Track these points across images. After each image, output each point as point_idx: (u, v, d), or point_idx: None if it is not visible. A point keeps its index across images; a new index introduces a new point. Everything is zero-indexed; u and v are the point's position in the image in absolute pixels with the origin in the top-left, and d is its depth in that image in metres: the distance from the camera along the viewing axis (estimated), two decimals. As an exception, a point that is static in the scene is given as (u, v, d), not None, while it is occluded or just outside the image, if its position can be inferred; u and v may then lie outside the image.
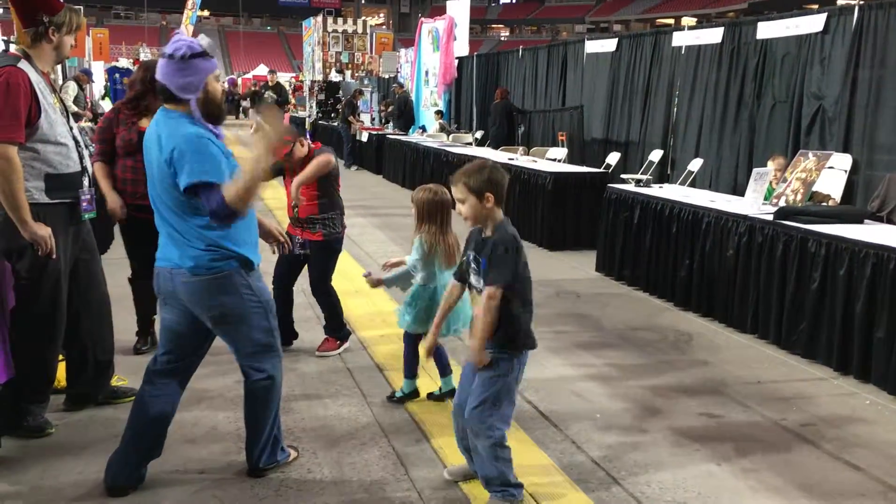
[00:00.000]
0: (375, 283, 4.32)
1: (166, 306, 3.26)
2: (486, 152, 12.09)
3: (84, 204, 3.79)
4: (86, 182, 3.81)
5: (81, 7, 3.74)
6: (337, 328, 5.11)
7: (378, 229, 9.81)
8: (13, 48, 3.76)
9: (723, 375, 4.92)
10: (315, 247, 4.93)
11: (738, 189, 8.20)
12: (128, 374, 4.31)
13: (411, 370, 4.33)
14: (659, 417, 4.23)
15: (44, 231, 3.57)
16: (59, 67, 16.42)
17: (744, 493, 3.44)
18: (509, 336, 3.13)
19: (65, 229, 3.73)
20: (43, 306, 3.70)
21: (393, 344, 5.27)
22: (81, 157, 3.78)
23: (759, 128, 8.68)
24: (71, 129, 3.77)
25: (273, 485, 3.35)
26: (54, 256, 3.64)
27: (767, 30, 8.59)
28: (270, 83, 18.54)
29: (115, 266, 4.37)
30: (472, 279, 3.23)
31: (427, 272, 4.15)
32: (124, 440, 3.27)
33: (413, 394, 4.34)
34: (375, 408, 4.22)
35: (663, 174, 10.26)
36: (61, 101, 3.81)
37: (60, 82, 15.45)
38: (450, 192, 3.44)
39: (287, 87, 21.79)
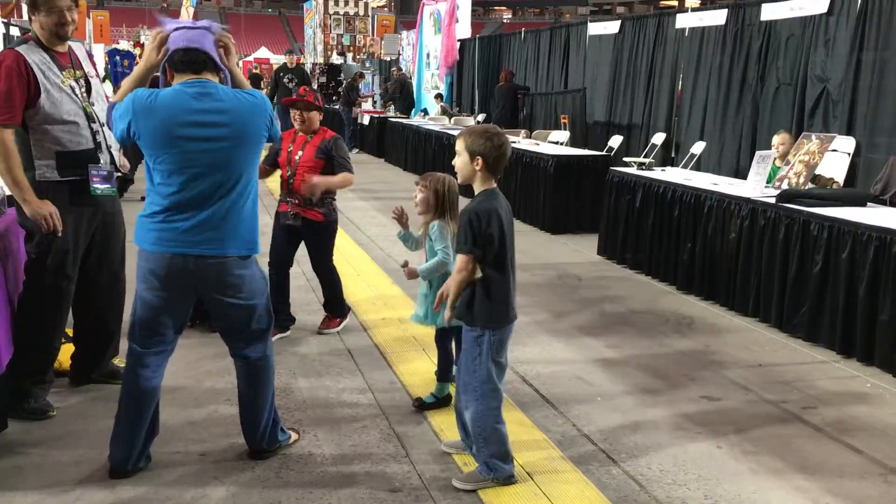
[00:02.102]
0: (411, 275, 3.93)
1: (170, 288, 3.12)
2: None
3: (95, 180, 3.74)
4: (102, 159, 3.78)
5: None
6: (337, 306, 5.14)
7: (380, 212, 9.80)
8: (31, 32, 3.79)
9: (724, 358, 4.92)
10: (314, 228, 4.90)
11: (742, 172, 8.17)
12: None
13: (444, 373, 4.03)
14: (660, 400, 4.23)
15: (46, 209, 3.56)
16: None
17: (744, 474, 3.44)
18: (480, 310, 3.17)
19: (76, 207, 3.72)
20: (46, 284, 3.70)
21: (393, 327, 5.28)
22: (95, 134, 3.75)
23: (763, 110, 8.64)
24: (90, 105, 3.74)
25: (274, 466, 3.36)
26: (59, 234, 3.62)
27: (772, 11, 8.53)
28: (290, 65, 15.83)
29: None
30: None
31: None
32: (126, 423, 3.23)
33: (445, 399, 3.99)
34: (376, 390, 4.23)
35: (667, 157, 10.22)
36: (84, 77, 3.78)
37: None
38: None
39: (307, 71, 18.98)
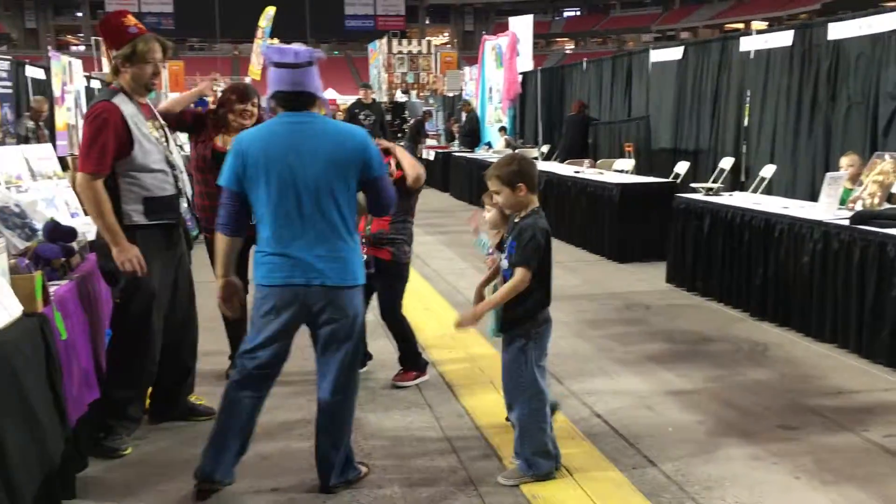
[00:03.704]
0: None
1: (283, 314, 3.24)
2: (552, 166, 12.05)
3: (189, 224, 4.00)
4: (183, 204, 3.95)
5: (153, 34, 3.84)
6: (412, 358, 4.91)
7: (445, 246, 9.87)
8: (115, 83, 3.87)
9: (801, 386, 4.77)
10: (382, 268, 4.70)
11: (817, 195, 7.95)
12: (207, 393, 4.43)
13: None
14: (734, 430, 4.13)
15: (132, 252, 3.67)
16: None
17: (824, 507, 3.33)
18: (518, 317, 3.44)
19: (161, 251, 3.85)
20: (132, 327, 3.81)
21: (462, 363, 5.29)
22: (177, 181, 3.90)
23: (836, 131, 8.42)
24: (170, 154, 3.89)
25: (345, 501, 3.40)
26: (142, 274, 3.69)
27: (839, 30, 8.35)
28: (365, 100, 14.21)
29: (202, 287, 4.45)
30: (503, 261, 3.51)
31: None
32: (220, 436, 3.33)
33: None
34: (445, 423, 4.24)
35: (736, 182, 10.04)
36: (163, 128, 3.95)
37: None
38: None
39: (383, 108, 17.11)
